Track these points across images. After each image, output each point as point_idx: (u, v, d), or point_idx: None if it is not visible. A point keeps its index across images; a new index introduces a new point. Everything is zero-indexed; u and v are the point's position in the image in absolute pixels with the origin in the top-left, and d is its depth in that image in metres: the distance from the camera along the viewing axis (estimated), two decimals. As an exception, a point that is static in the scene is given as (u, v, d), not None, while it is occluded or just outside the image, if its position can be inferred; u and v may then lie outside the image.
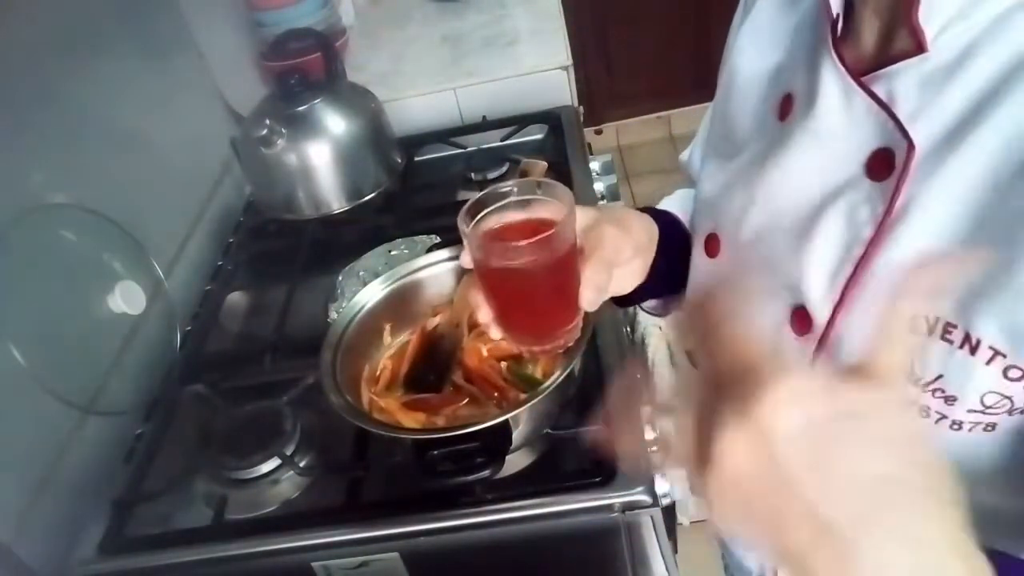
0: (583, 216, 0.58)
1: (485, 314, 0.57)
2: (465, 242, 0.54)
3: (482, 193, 0.55)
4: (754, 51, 0.60)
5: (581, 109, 1.40)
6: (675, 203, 0.76)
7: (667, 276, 0.68)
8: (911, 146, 0.44)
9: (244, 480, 0.83)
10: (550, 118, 1.34)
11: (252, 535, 0.77)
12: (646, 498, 0.72)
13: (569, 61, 1.44)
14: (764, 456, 0.30)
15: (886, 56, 0.47)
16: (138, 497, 0.84)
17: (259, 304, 1.15)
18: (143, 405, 0.96)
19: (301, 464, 0.83)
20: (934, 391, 0.45)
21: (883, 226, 0.46)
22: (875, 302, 0.47)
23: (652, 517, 0.74)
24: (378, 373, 0.83)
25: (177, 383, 0.97)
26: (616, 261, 0.59)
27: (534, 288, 0.54)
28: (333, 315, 1.00)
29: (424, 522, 0.75)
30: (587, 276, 0.55)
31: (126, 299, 0.96)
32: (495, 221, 0.55)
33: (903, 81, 0.45)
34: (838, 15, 0.48)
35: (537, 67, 1.44)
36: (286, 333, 1.02)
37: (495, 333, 0.58)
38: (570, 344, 0.60)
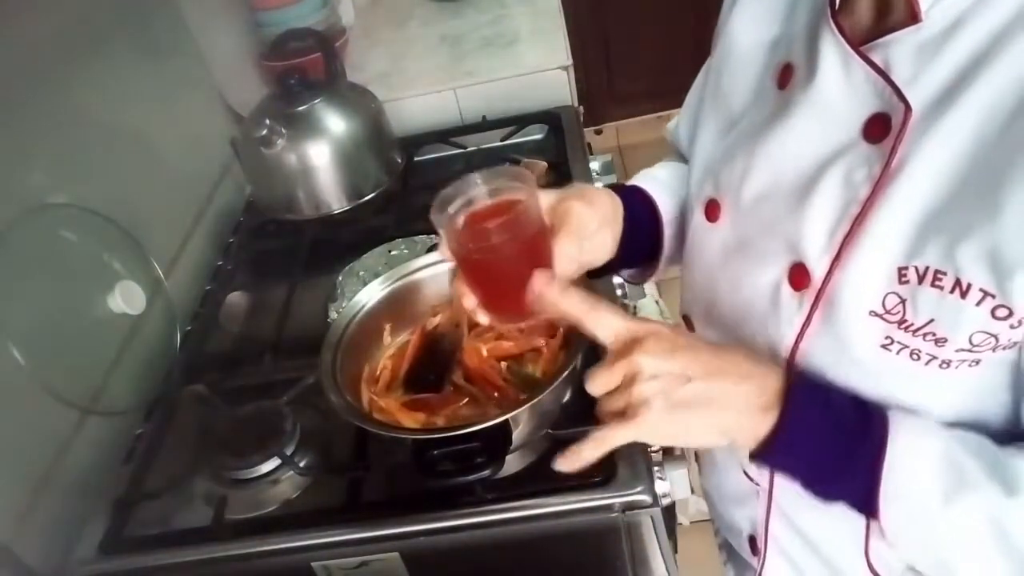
0: (548, 196, 0.61)
1: (470, 301, 0.60)
2: (441, 234, 0.57)
3: (450, 187, 0.59)
4: (752, 24, 0.63)
5: (581, 109, 1.40)
6: (649, 177, 0.79)
7: (638, 246, 0.71)
8: (908, 109, 0.47)
9: (244, 480, 0.83)
10: (550, 118, 1.34)
11: (252, 535, 0.77)
12: (646, 498, 0.72)
13: (569, 61, 1.44)
14: (664, 352, 0.52)
15: (882, 27, 0.50)
16: (138, 497, 0.84)
17: (259, 304, 1.15)
18: (143, 405, 0.96)
19: (301, 464, 0.83)
20: (925, 335, 0.49)
21: (879, 185, 0.49)
22: (870, 256, 0.50)
23: (652, 517, 0.74)
24: (378, 373, 0.84)
25: (177, 383, 0.98)
26: (584, 233, 0.61)
27: (510, 266, 0.57)
28: (333, 315, 1.00)
29: (424, 522, 0.75)
30: (559, 248, 0.58)
31: (126, 299, 0.96)
32: (466, 210, 0.59)
33: (899, 49, 0.48)
34: None
35: (537, 67, 1.44)
36: (286, 333, 1.02)
37: (483, 318, 0.61)
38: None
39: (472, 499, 0.75)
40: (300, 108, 1.15)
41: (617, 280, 1.01)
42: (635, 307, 1.28)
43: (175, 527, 0.82)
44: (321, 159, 1.16)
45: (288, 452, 0.83)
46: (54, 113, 0.97)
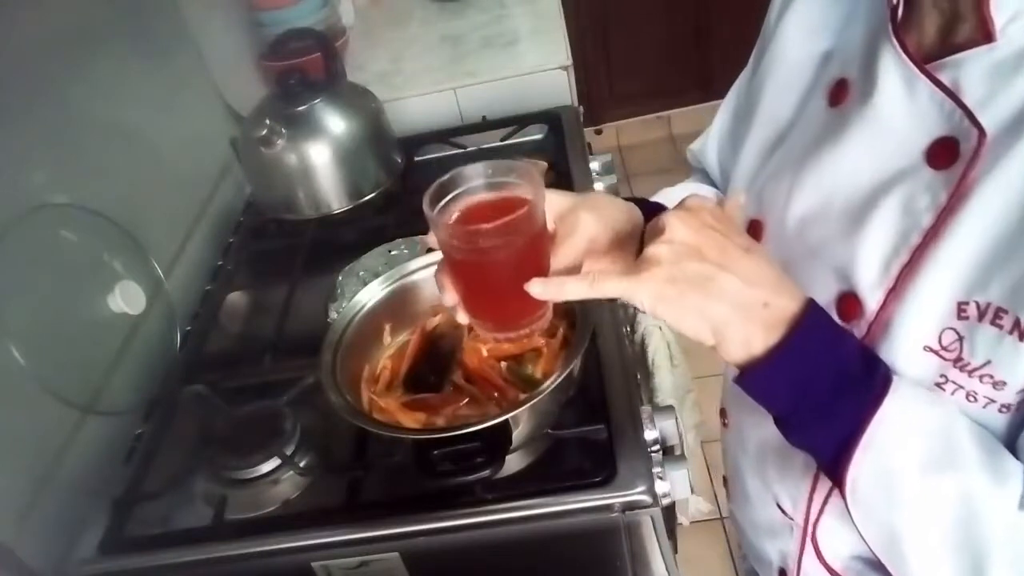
0: (560, 201, 0.56)
1: (450, 297, 0.56)
2: (430, 224, 0.52)
3: (449, 174, 0.53)
4: (801, 37, 0.60)
5: (581, 109, 1.40)
6: (671, 196, 0.74)
7: None
8: (982, 135, 0.44)
9: (244, 480, 0.83)
10: (550, 118, 1.34)
11: (252, 535, 0.77)
12: (646, 498, 0.72)
13: (569, 61, 1.44)
14: (693, 226, 0.48)
15: (949, 45, 0.47)
16: (138, 497, 0.84)
17: (259, 304, 1.15)
18: (143, 405, 0.96)
19: (301, 464, 0.83)
20: (982, 376, 0.46)
21: (944, 214, 0.46)
22: (930, 289, 0.47)
23: (652, 517, 0.74)
24: (378, 373, 0.83)
25: (177, 383, 0.97)
26: (591, 250, 0.55)
27: (499, 273, 0.52)
28: (333, 315, 1.00)
29: (424, 522, 0.74)
30: (555, 264, 0.53)
31: (126, 299, 0.96)
32: (462, 203, 0.53)
33: (970, 70, 0.45)
34: (898, 1, 0.48)
35: (537, 67, 1.44)
36: (286, 333, 1.02)
37: (461, 318, 0.57)
38: (538, 333, 0.58)
39: (472, 499, 0.74)
40: (300, 108, 1.15)
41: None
42: (635, 311, 1.28)
43: (175, 527, 0.82)
44: (321, 159, 1.16)
45: (288, 452, 0.83)
46: (54, 113, 0.96)
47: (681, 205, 0.50)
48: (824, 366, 0.47)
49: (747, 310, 0.47)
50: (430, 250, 1.05)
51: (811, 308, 0.47)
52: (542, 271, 0.52)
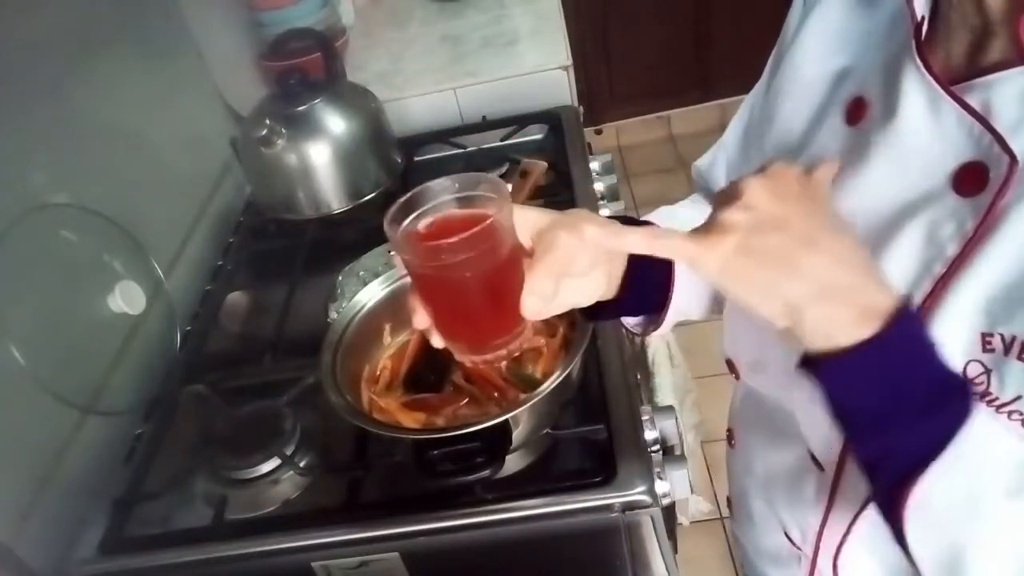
0: (538, 218, 0.53)
1: (421, 320, 0.52)
2: (392, 245, 0.50)
3: (412, 192, 0.50)
4: (819, 51, 0.58)
5: (581, 109, 1.40)
6: (668, 214, 0.72)
7: (644, 292, 0.60)
8: (1014, 161, 0.41)
9: (244, 480, 0.83)
10: (550, 118, 1.34)
11: (252, 535, 0.77)
12: (646, 498, 0.72)
13: (569, 61, 1.44)
14: (778, 193, 0.43)
15: (979, 65, 0.45)
16: (138, 497, 0.84)
17: (259, 304, 1.15)
18: (143, 405, 0.96)
19: (301, 464, 0.83)
20: (1011, 413, 0.44)
21: (971, 244, 0.44)
22: (953, 321, 0.45)
23: (652, 517, 0.74)
24: (378, 373, 0.84)
25: (177, 383, 0.98)
26: (569, 269, 0.51)
27: (469, 291, 0.49)
28: (333, 315, 1.00)
29: (424, 522, 0.75)
30: (529, 282, 0.50)
31: (126, 299, 0.96)
32: (426, 220, 0.51)
33: (1002, 92, 0.43)
34: (923, 18, 0.46)
35: (537, 67, 1.44)
36: (286, 333, 1.02)
37: (436, 341, 0.53)
38: (516, 353, 0.54)
39: (472, 499, 0.75)
40: (300, 108, 1.15)
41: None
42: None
43: (175, 527, 0.82)
44: (321, 159, 1.16)
45: (288, 452, 0.83)
46: (54, 113, 0.97)
47: (764, 169, 0.45)
48: (921, 369, 0.43)
49: (835, 293, 0.42)
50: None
51: (908, 304, 0.43)
52: (513, 288, 0.50)
